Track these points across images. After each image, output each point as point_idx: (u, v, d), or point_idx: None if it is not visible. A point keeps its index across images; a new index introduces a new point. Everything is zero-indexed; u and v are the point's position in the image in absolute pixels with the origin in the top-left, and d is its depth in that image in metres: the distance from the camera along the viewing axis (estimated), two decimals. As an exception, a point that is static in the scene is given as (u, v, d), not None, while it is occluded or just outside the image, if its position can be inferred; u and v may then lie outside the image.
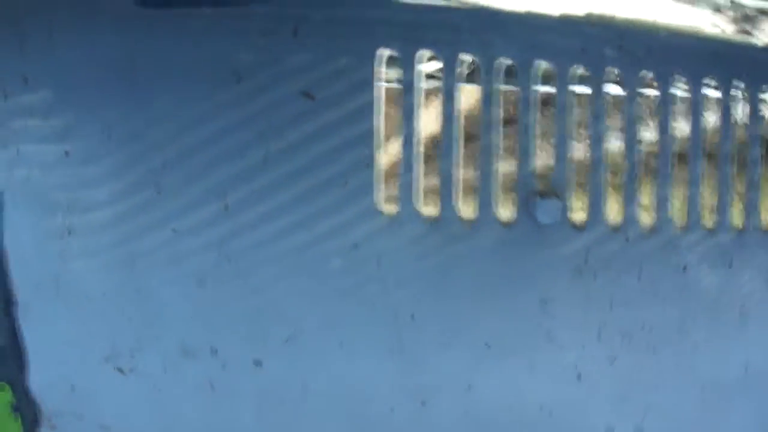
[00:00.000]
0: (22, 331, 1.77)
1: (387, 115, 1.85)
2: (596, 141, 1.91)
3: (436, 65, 1.91)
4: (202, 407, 1.83)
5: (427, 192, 1.87)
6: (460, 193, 1.86)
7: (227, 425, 1.84)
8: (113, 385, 1.80)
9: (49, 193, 1.76)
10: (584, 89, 1.91)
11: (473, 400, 1.90)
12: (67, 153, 1.76)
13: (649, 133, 1.97)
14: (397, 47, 1.82)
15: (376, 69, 1.81)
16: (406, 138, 1.83)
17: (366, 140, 1.82)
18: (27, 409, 1.79)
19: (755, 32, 2.04)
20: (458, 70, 1.85)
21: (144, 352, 1.80)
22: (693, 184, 1.96)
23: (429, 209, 1.86)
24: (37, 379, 1.78)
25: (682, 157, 1.96)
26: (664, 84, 1.93)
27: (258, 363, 1.83)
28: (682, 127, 1.96)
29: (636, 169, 1.93)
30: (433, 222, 1.86)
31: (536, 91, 1.88)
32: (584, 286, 1.91)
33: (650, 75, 1.92)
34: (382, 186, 1.84)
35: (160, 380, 1.81)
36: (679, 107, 1.95)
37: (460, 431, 1.90)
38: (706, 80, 1.95)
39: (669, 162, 1.94)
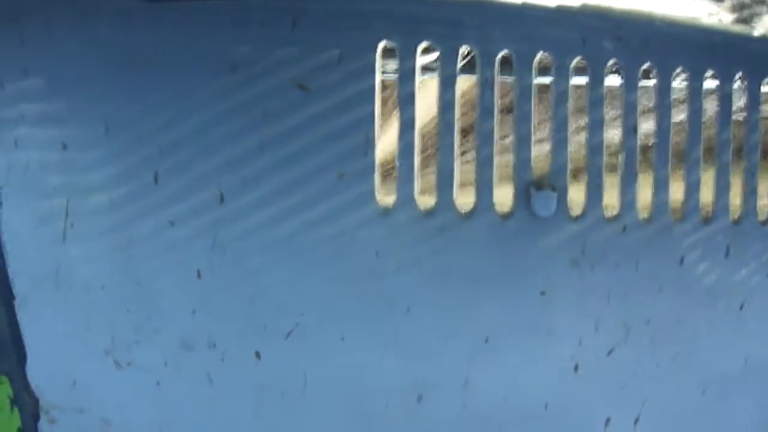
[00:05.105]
0: (20, 324, 1.78)
1: (382, 106, 1.84)
2: (594, 132, 1.90)
3: (429, 57, 1.90)
4: (202, 400, 1.84)
5: (423, 183, 1.87)
6: (457, 184, 1.86)
7: (226, 418, 1.85)
8: (113, 378, 1.81)
9: (47, 185, 1.76)
10: (581, 80, 1.90)
11: (470, 393, 1.89)
12: (64, 144, 1.76)
13: (646, 124, 1.96)
14: (396, 39, 1.81)
15: (375, 60, 1.81)
16: (404, 128, 1.83)
17: (365, 129, 1.81)
18: (26, 403, 1.79)
19: (754, 22, 2.03)
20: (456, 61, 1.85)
21: (143, 344, 1.81)
22: (690, 173, 1.95)
23: (426, 200, 1.86)
24: (36, 373, 1.79)
25: (678, 148, 1.95)
26: (662, 74, 1.92)
27: (257, 355, 1.83)
28: (679, 118, 1.95)
29: (633, 160, 1.92)
30: (430, 212, 1.86)
31: (533, 83, 1.87)
32: (581, 277, 1.90)
33: (648, 66, 1.91)
34: (377, 176, 1.83)
35: (159, 373, 1.82)
36: (677, 97, 1.94)
37: (456, 425, 1.90)
38: (705, 71, 1.94)
39: (667, 152, 1.93)
